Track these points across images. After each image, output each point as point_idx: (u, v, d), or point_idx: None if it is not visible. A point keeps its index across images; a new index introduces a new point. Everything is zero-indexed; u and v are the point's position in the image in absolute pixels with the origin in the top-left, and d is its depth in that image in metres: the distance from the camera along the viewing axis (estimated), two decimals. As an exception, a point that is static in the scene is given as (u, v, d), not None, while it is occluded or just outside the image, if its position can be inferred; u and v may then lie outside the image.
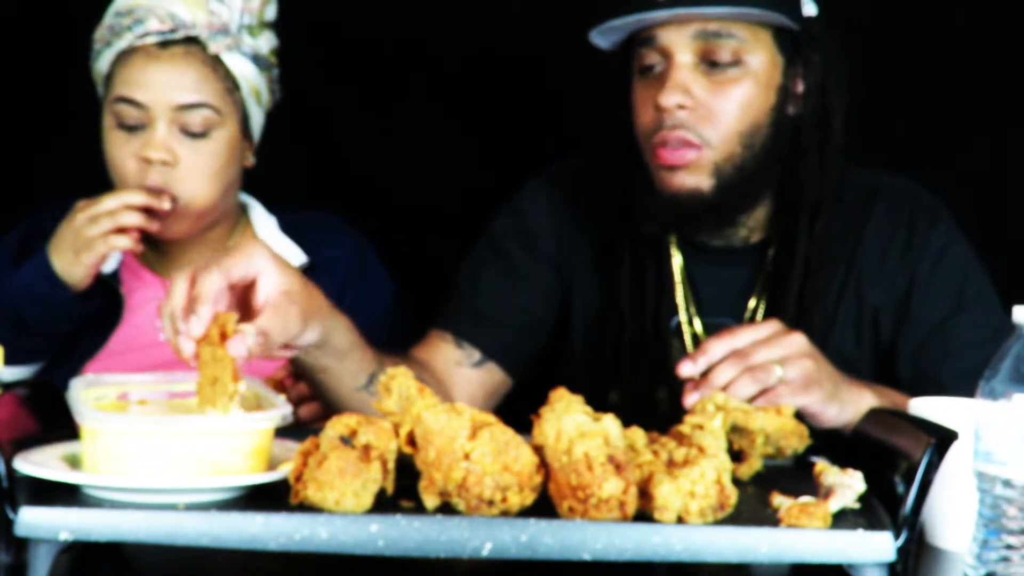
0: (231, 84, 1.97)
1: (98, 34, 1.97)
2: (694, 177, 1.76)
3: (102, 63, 1.96)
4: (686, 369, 1.54)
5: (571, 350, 1.94)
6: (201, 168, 1.95)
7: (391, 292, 2.12)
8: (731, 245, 1.87)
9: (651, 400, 1.83)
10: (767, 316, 1.83)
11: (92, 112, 2.04)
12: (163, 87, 1.92)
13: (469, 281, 1.94)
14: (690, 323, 1.87)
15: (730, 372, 1.53)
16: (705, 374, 1.54)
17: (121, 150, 1.94)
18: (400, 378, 1.30)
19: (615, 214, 1.88)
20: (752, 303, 1.86)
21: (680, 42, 1.75)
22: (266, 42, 2.01)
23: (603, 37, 1.81)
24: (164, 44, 1.92)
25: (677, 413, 1.81)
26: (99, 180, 2.02)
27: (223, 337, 1.36)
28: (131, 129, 1.93)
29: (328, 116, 2.49)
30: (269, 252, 1.47)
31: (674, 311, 1.88)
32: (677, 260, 1.89)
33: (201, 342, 1.37)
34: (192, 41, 1.93)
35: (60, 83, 2.37)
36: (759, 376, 1.53)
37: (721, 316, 1.87)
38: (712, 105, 1.75)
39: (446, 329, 1.91)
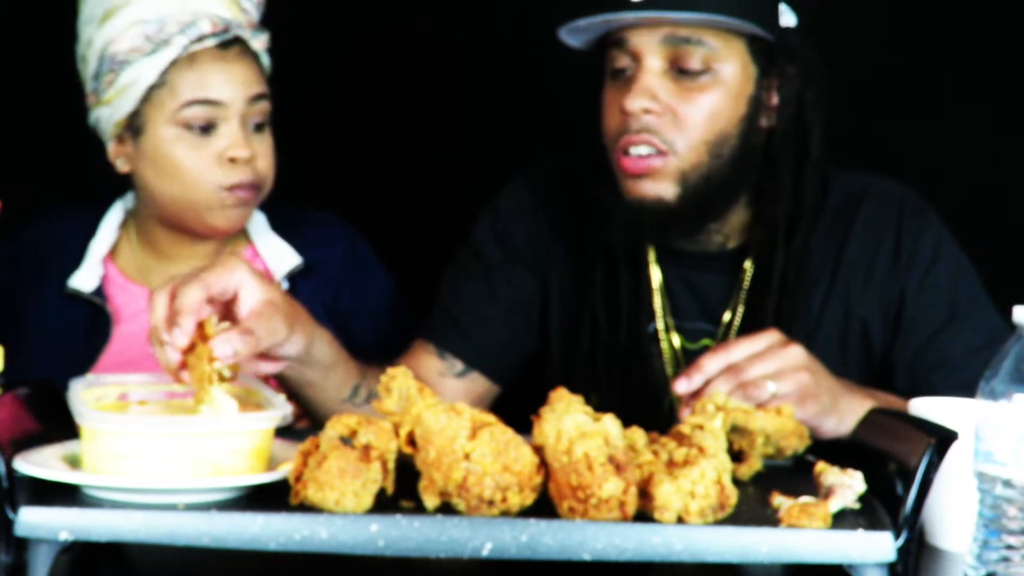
0: (267, 79, 2.00)
1: (122, 46, 1.92)
2: (658, 185, 1.74)
3: (141, 72, 1.91)
4: (682, 386, 1.53)
5: (549, 353, 1.93)
6: (270, 159, 1.98)
7: (389, 285, 2.11)
8: (706, 251, 1.85)
9: (632, 406, 1.82)
10: (743, 331, 1.82)
11: (64, 113, 2.05)
12: (236, 84, 1.93)
13: (451, 289, 1.94)
14: (667, 330, 1.87)
15: (723, 388, 1.52)
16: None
17: (198, 155, 1.93)
18: (400, 378, 1.30)
19: (591, 216, 1.86)
20: (727, 316, 1.85)
21: (650, 46, 1.73)
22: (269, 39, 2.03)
23: (574, 36, 1.79)
24: (223, 45, 1.94)
25: (658, 419, 1.82)
26: (74, 182, 2.02)
27: (204, 339, 1.37)
28: (203, 132, 1.93)
29: (315, 113, 2.50)
30: (248, 267, 1.50)
31: (651, 317, 1.86)
32: (655, 266, 1.87)
33: (187, 353, 1.40)
34: (240, 41, 1.96)
35: (32, 83, 2.38)
36: (751, 392, 1.52)
37: (698, 322, 1.86)
38: (679, 112, 1.73)
39: (428, 339, 1.91)
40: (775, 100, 1.78)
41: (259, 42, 1.98)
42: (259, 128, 1.97)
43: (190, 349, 1.41)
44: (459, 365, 1.89)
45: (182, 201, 1.95)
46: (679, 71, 1.73)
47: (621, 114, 1.74)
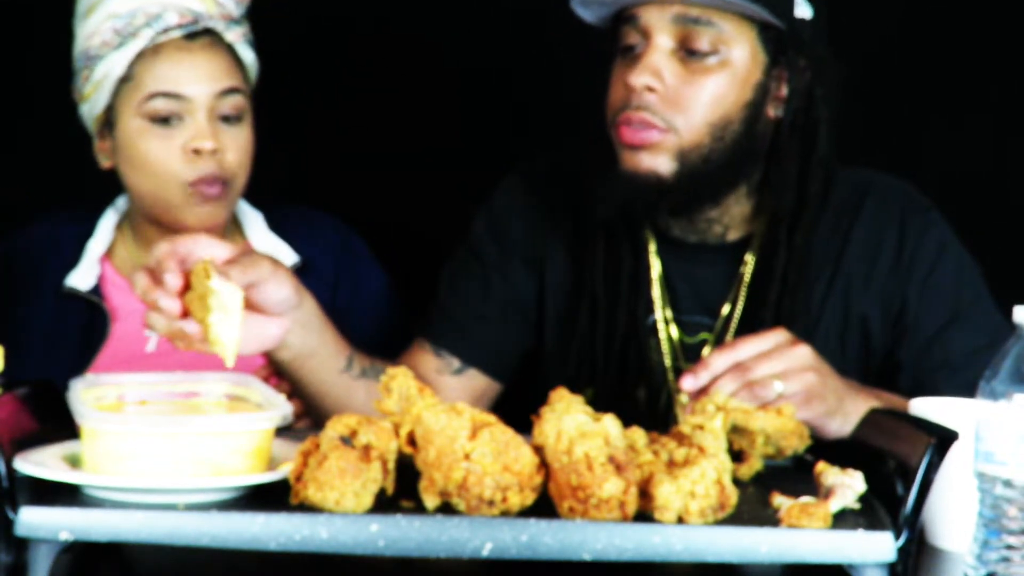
0: (245, 73, 1.99)
1: (95, 40, 1.94)
2: (656, 159, 1.73)
3: (111, 66, 1.93)
4: (688, 383, 1.53)
5: (544, 347, 1.92)
6: (241, 152, 1.97)
7: (383, 282, 2.11)
8: (706, 242, 1.85)
9: (629, 399, 1.82)
10: (742, 326, 1.82)
11: (55, 114, 2.05)
12: (202, 77, 1.93)
13: (448, 286, 1.93)
14: (665, 322, 1.86)
15: (729, 387, 1.51)
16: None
17: (162, 146, 1.93)
18: (400, 378, 1.30)
19: (587, 198, 1.84)
20: (726, 309, 1.85)
21: (660, 24, 1.73)
22: (250, 32, 2.03)
23: (587, 10, 1.79)
24: (189, 36, 1.93)
25: (655, 412, 1.81)
26: (64, 184, 2.01)
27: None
28: (166, 123, 1.93)
29: (314, 113, 2.50)
30: (210, 235, 1.55)
31: (650, 309, 1.86)
32: (655, 258, 1.87)
33: (182, 296, 1.45)
34: (210, 32, 1.95)
35: (22, 82, 2.38)
36: (757, 392, 1.52)
37: (696, 315, 1.86)
38: (683, 93, 1.72)
39: (425, 337, 1.91)
40: (784, 91, 1.78)
41: (234, 34, 1.97)
42: (230, 121, 1.96)
43: (183, 293, 1.46)
44: (456, 363, 1.89)
45: (151, 195, 1.96)
46: (687, 51, 1.73)
47: (625, 88, 1.74)
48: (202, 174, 1.93)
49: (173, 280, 1.46)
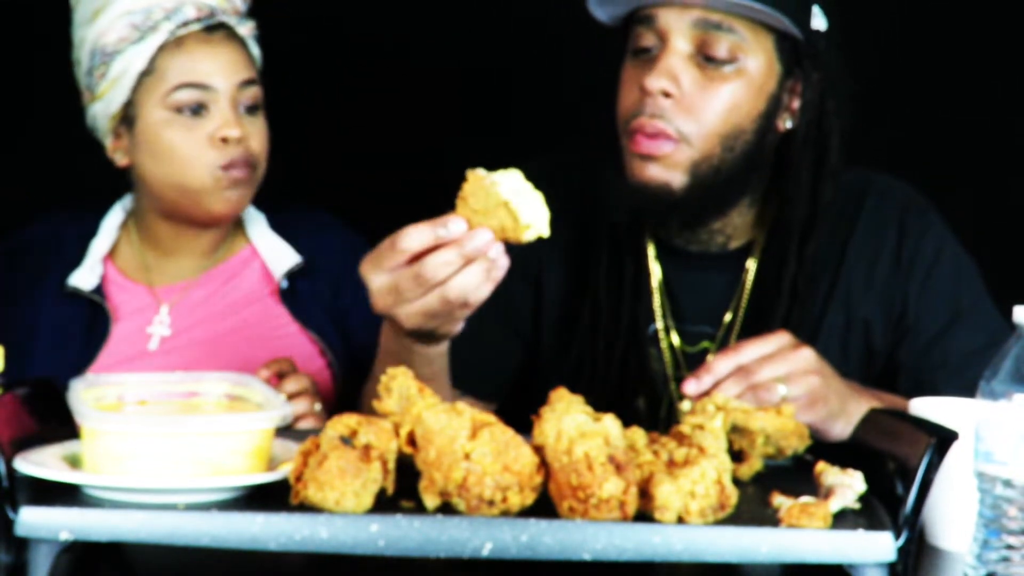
0: (256, 67, 2.02)
1: (110, 37, 1.95)
2: (666, 172, 1.71)
3: (131, 60, 1.94)
4: (691, 388, 1.52)
5: (540, 358, 1.90)
6: (262, 140, 2.00)
7: None
8: (708, 251, 1.84)
9: (628, 408, 1.81)
10: (744, 334, 1.80)
11: (56, 114, 2.06)
12: (224, 68, 1.96)
13: None
14: (667, 330, 1.86)
15: (733, 390, 1.51)
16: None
17: (189, 136, 1.95)
18: (400, 378, 1.30)
19: (592, 213, 1.84)
20: (728, 317, 1.84)
21: (679, 27, 1.71)
22: (255, 28, 2.05)
23: (602, 9, 1.77)
24: (208, 30, 1.96)
25: (655, 422, 1.80)
26: (64, 184, 2.01)
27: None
28: (196, 113, 1.95)
29: (314, 112, 2.50)
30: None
31: (651, 318, 1.85)
32: (655, 265, 1.86)
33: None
34: (225, 26, 1.98)
35: (23, 82, 2.39)
36: (761, 395, 1.51)
37: (698, 324, 1.85)
38: (698, 100, 1.70)
39: None
40: (796, 103, 1.77)
41: (245, 28, 2.00)
42: (251, 110, 1.99)
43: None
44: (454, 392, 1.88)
45: (178, 186, 1.97)
46: (705, 58, 1.71)
47: (640, 92, 1.72)
48: (232, 158, 1.95)
49: (459, 223, 1.44)
